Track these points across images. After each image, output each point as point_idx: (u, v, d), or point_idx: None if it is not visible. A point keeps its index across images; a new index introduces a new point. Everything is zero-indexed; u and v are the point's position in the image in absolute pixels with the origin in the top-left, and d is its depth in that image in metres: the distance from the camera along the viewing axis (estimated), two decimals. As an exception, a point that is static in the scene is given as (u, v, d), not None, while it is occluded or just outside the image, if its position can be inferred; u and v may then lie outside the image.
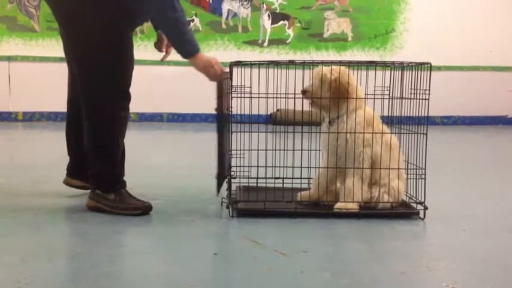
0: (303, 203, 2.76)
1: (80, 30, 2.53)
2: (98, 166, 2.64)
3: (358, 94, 2.67)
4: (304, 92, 2.69)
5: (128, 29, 2.62)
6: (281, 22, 7.95)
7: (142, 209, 2.61)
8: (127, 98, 2.65)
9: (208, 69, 2.68)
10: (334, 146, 2.65)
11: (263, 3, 7.90)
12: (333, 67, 2.65)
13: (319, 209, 2.69)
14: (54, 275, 1.83)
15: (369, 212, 2.63)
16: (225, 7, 7.87)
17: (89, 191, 2.75)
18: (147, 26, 7.68)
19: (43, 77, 7.43)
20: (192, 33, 2.71)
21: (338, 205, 2.65)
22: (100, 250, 2.10)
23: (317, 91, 2.66)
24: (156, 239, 2.28)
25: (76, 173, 2.92)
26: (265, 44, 7.95)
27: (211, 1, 7.86)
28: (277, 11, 7.94)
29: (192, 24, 7.83)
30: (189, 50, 2.63)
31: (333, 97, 2.62)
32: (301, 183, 2.97)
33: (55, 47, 7.39)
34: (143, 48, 7.63)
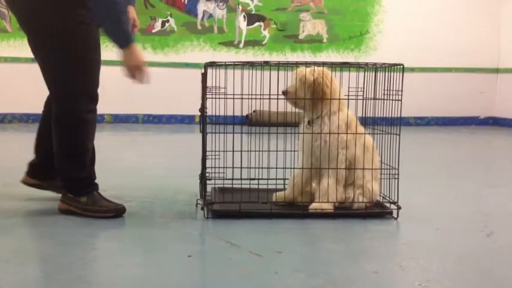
0: (278, 204, 2.76)
1: (40, 30, 2.45)
2: (67, 169, 2.60)
3: (338, 96, 2.68)
4: (285, 92, 2.70)
5: (91, 25, 2.50)
6: (257, 23, 7.95)
7: (115, 212, 2.58)
8: (93, 99, 2.58)
9: (136, 69, 2.54)
10: (312, 147, 2.66)
11: (239, 5, 7.89)
12: (315, 68, 2.67)
13: (295, 209, 2.69)
14: (24, 279, 1.80)
15: (343, 212, 2.65)
16: (201, 8, 7.85)
17: (46, 190, 2.71)
18: (122, 26, 7.61)
19: (15, 78, 7.29)
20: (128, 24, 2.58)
21: (313, 205, 2.66)
22: (72, 253, 2.07)
23: (297, 92, 2.67)
24: (130, 242, 2.25)
25: (36, 172, 2.85)
26: (241, 45, 7.94)
27: (186, 2, 7.83)
28: (253, 12, 7.95)
29: (167, 24, 7.78)
30: (126, 38, 2.48)
31: (312, 98, 2.64)
32: (276, 184, 2.98)
33: (27, 47, 7.22)
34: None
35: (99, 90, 2.62)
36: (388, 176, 2.73)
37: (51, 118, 2.63)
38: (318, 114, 2.68)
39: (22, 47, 7.42)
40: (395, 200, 2.67)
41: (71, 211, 2.59)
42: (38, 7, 2.42)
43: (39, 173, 2.84)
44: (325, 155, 2.65)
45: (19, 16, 2.50)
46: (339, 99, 2.67)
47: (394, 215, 2.65)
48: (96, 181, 2.66)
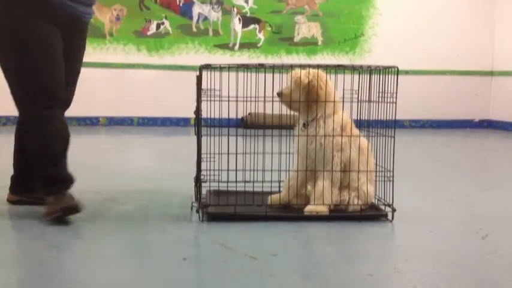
0: (273, 207, 2.75)
1: None
2: (36, 168, 2.58)
3: (333, 98, 2.68)
4: (279, 94, 2.70)
5: (40, 20, 2.47)
6: (252, 26, 7.96)
7: (64, 211, 2.48)
8: (48, 96, 2.52)
9: None
10: (308, 149, 2.66)
11: (234, 7, 7.90)
12: (310, 70, 2.67)
13: (290, 212, 2.69)
14: (18, 283, 1.79)
15: (338, 214, 2.65)
16: (196, 10, 7.84)
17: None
18: (116, 28, 7.61)
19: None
20: None
21: (308, 208, 2.66)
22: (65, 256, 2.06)
23: (292, 94, 2.67)
24: (124, 245, 2.24)
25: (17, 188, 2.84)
26: (236, 47, 7.94)
27: (181, 4, 7.82)
28: (248, 14, 7.95)
29: (162, 27, 7.77)
30: None
31: (306, 100, 2.64)
32: (271, 187, 2.97)
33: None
34: (112, 51, 7.56)
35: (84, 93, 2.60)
36: (383, 178, 2.73)
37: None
38: (313, 117, 2.68)
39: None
40: (390, 203, 2.67)
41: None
42: None
43: (18, 188, 2.83)
44: (320, 157, 2.65)
45: None
46: (334, 101, 2.67)
47: (389, 217, 2.65)
48: (68, 180, 2.62)
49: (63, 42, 2.62)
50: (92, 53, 7.34)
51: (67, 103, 2.75)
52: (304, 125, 2.71)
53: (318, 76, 2.65)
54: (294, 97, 2.66)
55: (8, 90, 2.53)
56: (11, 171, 2.83)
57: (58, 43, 2.57)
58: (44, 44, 2.50)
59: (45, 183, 2.59)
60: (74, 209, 2.50)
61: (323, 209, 2.64)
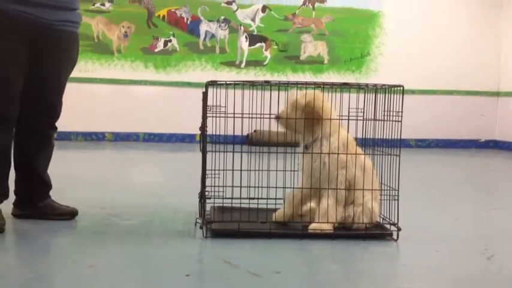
0: (277, 224, 2.75)
1: None
2: None
3: (331, 118, 2.68)
4: (278, 117, 2.71)
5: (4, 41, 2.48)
6: (258, 44, 8.01)
7: None
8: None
9: None
10: (311, 168, 2.66)
11: (241, 25, 7.96)
12: (307, 91, 2.68)
13: (294, 229, 2.68)
14: (20, 297, 1.78)
15: (343, 232, 2.63)
16: (203, 28, 7.92)
17: None
18: (124, 45, 7.68)
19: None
20: None
21: (313, 226, 2.65)
22: (69, 271, 2.05)
23: (290, 116, 2.68)
24: (128, 260, 2.23)
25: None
26: (243, 65, 7.99)
27: (189, 22, 7.90)
28: (255, 33, 8.02)
29: (169, 44, 7.84)
30: None
31: (302, 118, 2.64)
32: (275, 204, 2.96)
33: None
34: (120, 67, 7.62)
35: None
36: (388, 197, 2.72)
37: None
38: (314, 138, 2.68)
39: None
40: (395, 222, 2.66)
41: None
42: None
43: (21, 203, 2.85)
44: (324, 175, 2.65)
45: None
46: (330, 119, 2.66)
47: (394, 236, 2.63)
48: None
49: (36, 53, 2.61)
50: (99, 69, 7.41)
51: (54, 114, 2.79)
52: (306, 147, 2.71)
53: (316, 97, 2.66)
54: (293, 119, 2.67)
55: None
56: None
57: (11, 56, 2.53)
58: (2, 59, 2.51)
59: None
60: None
61: (327, 227, 2.63)
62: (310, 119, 2.64)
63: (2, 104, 2.56)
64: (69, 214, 2.84)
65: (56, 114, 2.80)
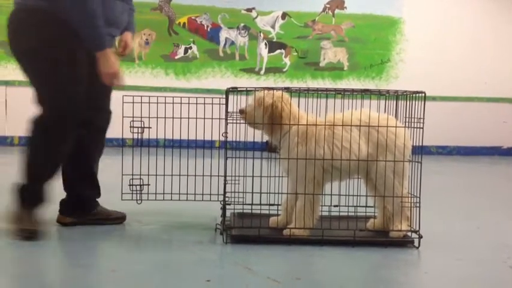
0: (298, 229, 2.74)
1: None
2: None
3: (298, 118, 2.65)
4: (241, 111, 2.72)
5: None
6: (278, 51, 8.02)
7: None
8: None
9: (109, 70, 2.61)
10: (287, 172, 2.67)
11: (260, 32, 7.99)
12: (276, 93, 2.67)
13: (314, 235, 2.67)
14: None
15: (363, 239, 2.62)
16: (223, 35, 7.95)
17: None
18: (145, 52, 7.75)
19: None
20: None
21: (285, 231, 2.63)
22: (90, 275, 2.07)
23: (252, 112, 2.68)
24: (149, 265, 2.25)
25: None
26: (262, 71, 8.01)
27: (209, 29, 7.95)
28: (274, 40, 8.03)
29: (189, 51, 7.89)
30: (98, 43, 2.56)
31: (271, 123, 2.65)
32: (295, 210, 2.95)
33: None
34: (141, 74, 7.69)
35: None
36: (409, 204, 2.69)
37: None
38: (277, 138, 2.67)
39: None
40: (417, 229, 2.64)
41: None
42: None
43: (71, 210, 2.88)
44: (293, 177, 2.64)
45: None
46: (288, 122, 2.63)
47: (416, 244, 2.61)
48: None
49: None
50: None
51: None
52: (275, 149, 2.71)
53: (280, 98, 2.64)
54: (256, 116, 2.67)
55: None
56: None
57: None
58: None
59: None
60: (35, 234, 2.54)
61: (300, 233, 2.61)
62: (275, 119, 2.62)
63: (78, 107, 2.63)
64: (122, 218, 2.95)
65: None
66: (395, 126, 2.63)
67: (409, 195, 2.67)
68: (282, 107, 2.64)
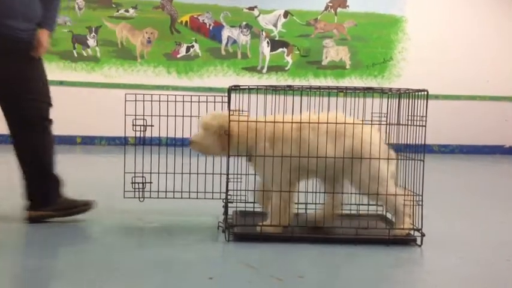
0: (300, 227, 2.74)
1: None
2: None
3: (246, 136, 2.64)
4: (191, 142, 2.74)
5: None
6: (280, 49, 8.02)
7: None
8: None
9: (43, 48, 2.82)
10: (262, 175, 2.70)
11: (262, 31, 7.99)
12: (218, 114, 2.71)
13: (316, 233, 2.67)
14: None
15: (366, 237, 2.62)
16: (225, 34, 7.96)
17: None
18: (147, 51, 7.75)
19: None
20: None
21: (257, 228, 2.63)
22: (92, 272, 2.08)
23: (204, 140, 2.77)
24: (151, 262, 2.25)
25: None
26: (264, 70, 8.01)
27: (211, 28, 7.95)
28: (277, 38, 8.03)
29: (191, 50, 7.90)
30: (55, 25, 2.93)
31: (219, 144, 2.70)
32: (298, 208, 2.96)
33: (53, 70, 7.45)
34: (143, 73, 7.70)
35: None
36: (412, 202, 2.69)
37: None
38: (242, 151, 2.68)
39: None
40: (419, 227, 2.64)
41: None
42: None
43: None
44: (263, 177, 2.68)
45: None
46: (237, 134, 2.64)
47: (418, 242, 2.61)
48: None
49: None
50: (123, 74, 7.51)
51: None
52: (250, 159, 2.71)
53: (227, 121, 2.63)
54: (207, 143, 2.73)
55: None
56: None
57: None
58: None
59: None
60: None
61: (271, 230, 2.60)
62: (222, 141, 2.66)
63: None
64: (87, 204, 2.93)
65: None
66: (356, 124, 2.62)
67: (409, 194, 2.67)
68: (231, 129, 2.62)
